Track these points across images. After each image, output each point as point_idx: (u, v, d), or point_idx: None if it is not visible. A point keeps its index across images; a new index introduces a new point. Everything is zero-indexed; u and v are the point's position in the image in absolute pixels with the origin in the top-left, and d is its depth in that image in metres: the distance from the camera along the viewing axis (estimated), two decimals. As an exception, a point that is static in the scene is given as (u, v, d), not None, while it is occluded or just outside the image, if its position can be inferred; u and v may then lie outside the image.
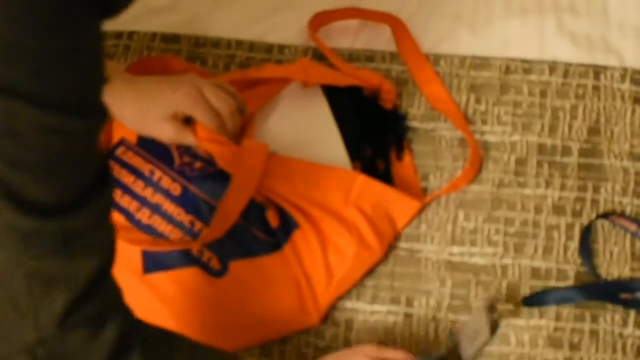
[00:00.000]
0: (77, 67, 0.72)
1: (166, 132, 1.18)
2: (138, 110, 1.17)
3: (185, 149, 1.22)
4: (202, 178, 1.20)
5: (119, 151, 1.24)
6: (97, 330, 0.80)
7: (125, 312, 0.85)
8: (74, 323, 0.78)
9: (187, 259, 1.15)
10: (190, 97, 1.17)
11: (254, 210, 1.18)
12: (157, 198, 1.20)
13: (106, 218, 0.81)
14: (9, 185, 0.71)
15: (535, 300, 1.16)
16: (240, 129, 1.25)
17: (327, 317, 1.17)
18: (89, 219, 0.76)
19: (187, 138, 1.19)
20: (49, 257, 0.75)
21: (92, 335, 0.80)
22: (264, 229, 1.17)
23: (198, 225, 1.18)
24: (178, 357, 0.89)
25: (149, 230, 1.18)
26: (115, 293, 0.84)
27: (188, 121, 1.20)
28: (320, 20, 1.37)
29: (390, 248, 1.21)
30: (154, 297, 1.14)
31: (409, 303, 1.18)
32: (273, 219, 1.17)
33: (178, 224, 1.18)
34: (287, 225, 1.17)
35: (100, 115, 0.77)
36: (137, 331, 0.85)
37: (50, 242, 0.74)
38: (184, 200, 1.19)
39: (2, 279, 0.75)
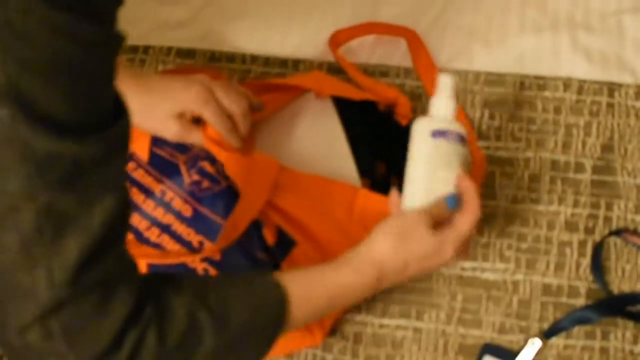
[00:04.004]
0: None
1: (171, 129, 1.17)
2: (145, 105, 1.15)
3: (191, 164, 1.21)
4: (212, 197, 1.19)
5: (129, 167, 1.24)
6: (108, 300, 0.77)
7: (138, 284, 0.81)
8: (88, 283, 0.75)
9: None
10: (201, 97, 1.16)
11: (252, 229, 1.17)
12: (168, 218, 1.20)
13: (121, 153, 0.78)
14: (21, 92, 0.69)
15: (556, 329, 1.16)
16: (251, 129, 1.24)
17: (336, 329, 1.17)
18: (103, 148, 0.74)
19: (193, 137, 1.18)
20: (62, 190, 0.72)
21: (102, 306, 0.77)
22: (263, 248, 1.17)
23: (207, 244, 1.18)
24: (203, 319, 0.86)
25: (156, 247, 1.19)
26: (129, 260, 0.82)
27: (198, 122, 1.19)
28: (339, 38, 1.37)
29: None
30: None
31: (419, 317, 1.18)
32: (269, 236, 1.16)
33: (186, 243, 1.18)
34: (285, 243, 1.17)
35: (114, 37, 0.75)
36: (151, 302, 0.81)
37: (64, 170, 0.72)
38: (195, 221, 1.19)
39: (14, 216, 0.72)
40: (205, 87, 1.17)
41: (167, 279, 0.87)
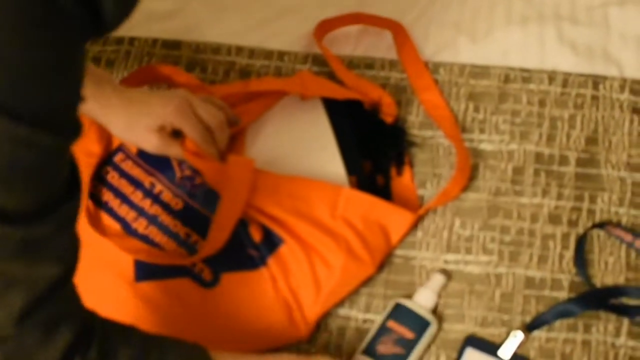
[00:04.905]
0: (56, 84, 0.73)
1: (151, 143, 1.19)
2: (126, 119, 1.17)
3: (183, 160, 1.23)
4: (205, 194, 1.21)
5: (118, 158, 1.25)
6: (51, 334, 0.81)
7: (81, 318, 0.86)
8: (31, 325, 0.79)
9: (179, 269, 1.16)
10: (180, 110, 1.18)
11: (240, 227, 1.18)
12: (155, 209, 1.21)
13: (70, 227, 0.82)
14: None
15: (539, 323, 1.16)
16: (232, 142, 1.26)
17: (320, 324, 1.17)
18: (52, 227, 0.77)
19: (172, 150, 1.20)
20: (11, 260, 0.76)
21: (46, 339, 0.81)
22: (251, 245, 1.17)
23: (194, 237, 1.19)
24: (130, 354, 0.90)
25: (144, 240, 1.19)
26: (73, 299, 0.86)
27: (178, 135, 1.21)
28: (325, 27, 1.38)
29: (385, 256, 1.21)
30: (143, 306, 1.14)
31: (402, 311, 1.18)
32: (256, 234, 1.17)
33: (173, 236, 1.19)
34: (272, 241, 1.17)
35: (74, 132, 0.77)
36: (92, 336, 0.86)
37: (12, 247, 0.75)
38: (184, 215, 1.20)
39: None
40: (184, 101, 1.19)
41: (117, 327, 0.92)
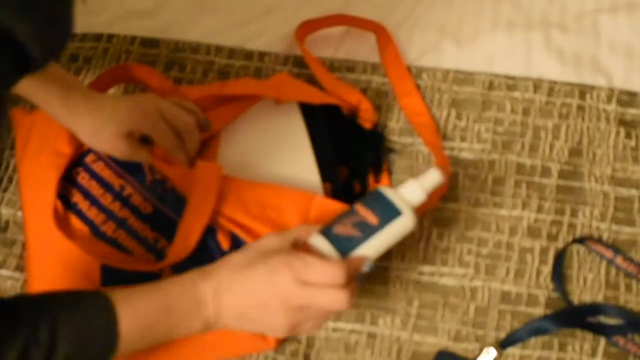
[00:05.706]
0: None
1: (119, 149, 1.16)
2: (94, 125, 1.14)
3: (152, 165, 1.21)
4: (175, 198, 1.19)
5: (89, 159, 1.23)
6: None
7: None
8: None
9: (146, 275, 1.13)
10: (148, 116, 1.16)
11: (208, 234, 1.15)
12: (124, 212, 1.19)
13: None
14: None
15: (513, 339, 1.13)
16: (204, 146, 1.23)
17: (288, 333, 1.15)
18: None
19: (141, 156, 1.18)
20: None
21: None
22: (220, 252, 1.15)
23: (162, 242, 1.16)
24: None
25: (112, 243, 1.17)
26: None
27: (147, 140, 1.19)
28: (307, 28, 1.35)
29: (359, 265, 1.18)
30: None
31: (374, 321, 1.15)
32: (224, 242, 1.14)
33: (142, 240, 1.17)
34: (240, 248, 1.14)
35: None
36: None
37: None
38: (153, 219, 1.18)
39: None
40: (152, 106, 1.17)
41: (2, 309, 0.88)
